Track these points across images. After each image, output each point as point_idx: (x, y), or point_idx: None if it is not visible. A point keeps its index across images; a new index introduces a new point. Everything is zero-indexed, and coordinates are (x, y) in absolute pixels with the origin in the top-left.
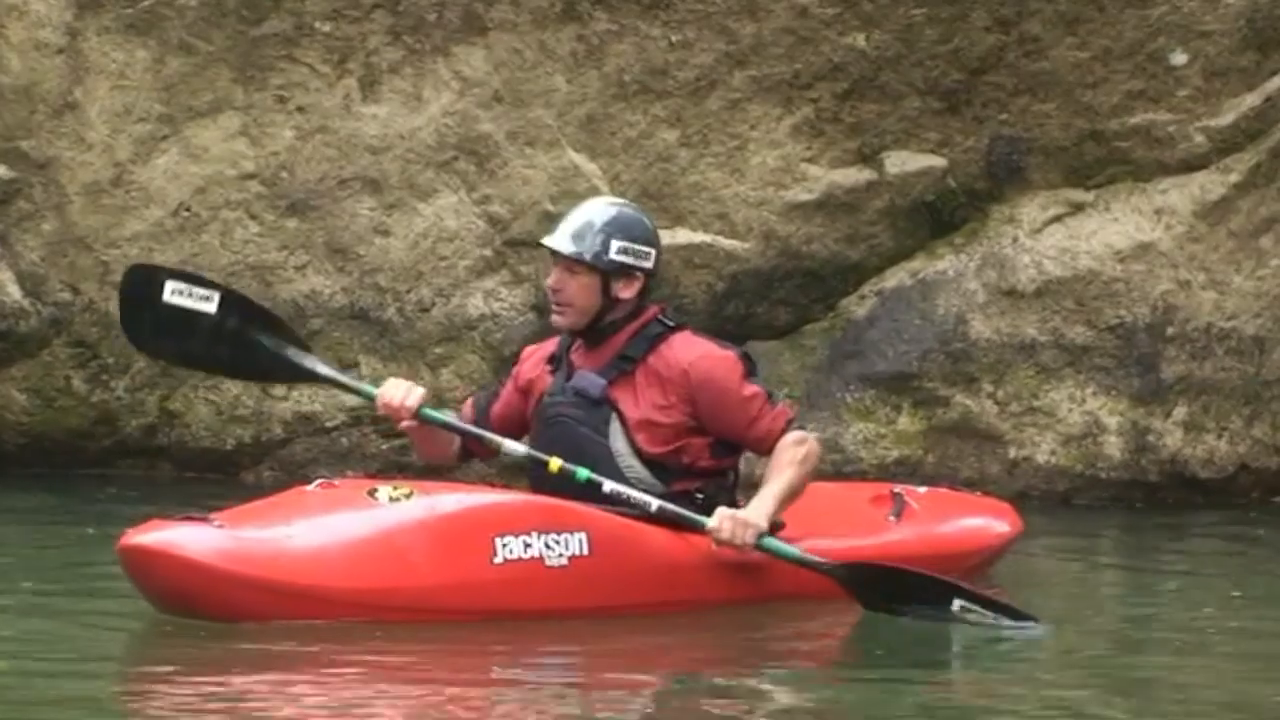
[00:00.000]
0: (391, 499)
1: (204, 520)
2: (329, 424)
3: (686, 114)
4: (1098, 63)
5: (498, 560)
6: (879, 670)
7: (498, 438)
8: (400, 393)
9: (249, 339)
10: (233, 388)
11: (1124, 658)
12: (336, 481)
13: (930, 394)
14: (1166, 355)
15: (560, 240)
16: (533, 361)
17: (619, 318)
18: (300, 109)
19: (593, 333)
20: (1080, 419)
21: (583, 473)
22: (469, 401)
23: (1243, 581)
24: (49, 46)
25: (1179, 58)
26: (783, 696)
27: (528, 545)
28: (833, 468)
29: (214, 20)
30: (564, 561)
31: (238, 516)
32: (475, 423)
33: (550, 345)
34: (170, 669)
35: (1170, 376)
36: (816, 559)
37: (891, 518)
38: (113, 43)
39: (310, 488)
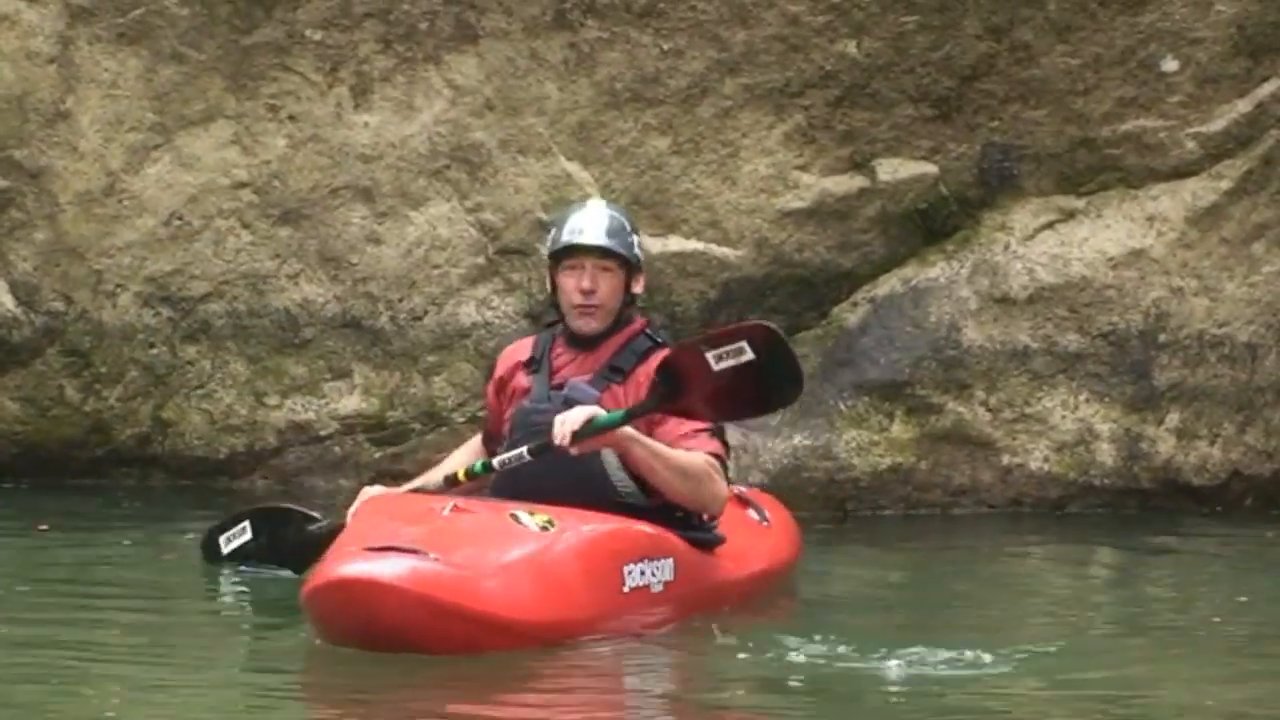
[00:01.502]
0: (541, 527)
1: (416, 552)
2: (322, 433)
3: (678, 122)
4: (1089, 70)
5: (626, 589)
6: (875, 675)
7: (441, 475)
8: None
9: (277, 542)
10: (225, 396)
11: (1119, 665)
12: (461, 503)
13: (923, 401)
14: (1159, 362)
15: (599, 238)
16: (508, 364)
17: (618, 321)
18: (292, 118)
19: (584, 337)
20: (1073, 426)
21: (477, 465)
22: (478, 436)
23: (1238, 589)
24: (41, 56)
25: (1170, 64)
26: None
27: (643, 572)
28: (825, 475)
29: (205, 29)
30: (661, 588)
31: (435, 546)
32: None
33: (524, 346)
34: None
35: (1163, 383)
36: (635, 406)
37: (764, 522)
38: (104, 52)
39: (445, 511)
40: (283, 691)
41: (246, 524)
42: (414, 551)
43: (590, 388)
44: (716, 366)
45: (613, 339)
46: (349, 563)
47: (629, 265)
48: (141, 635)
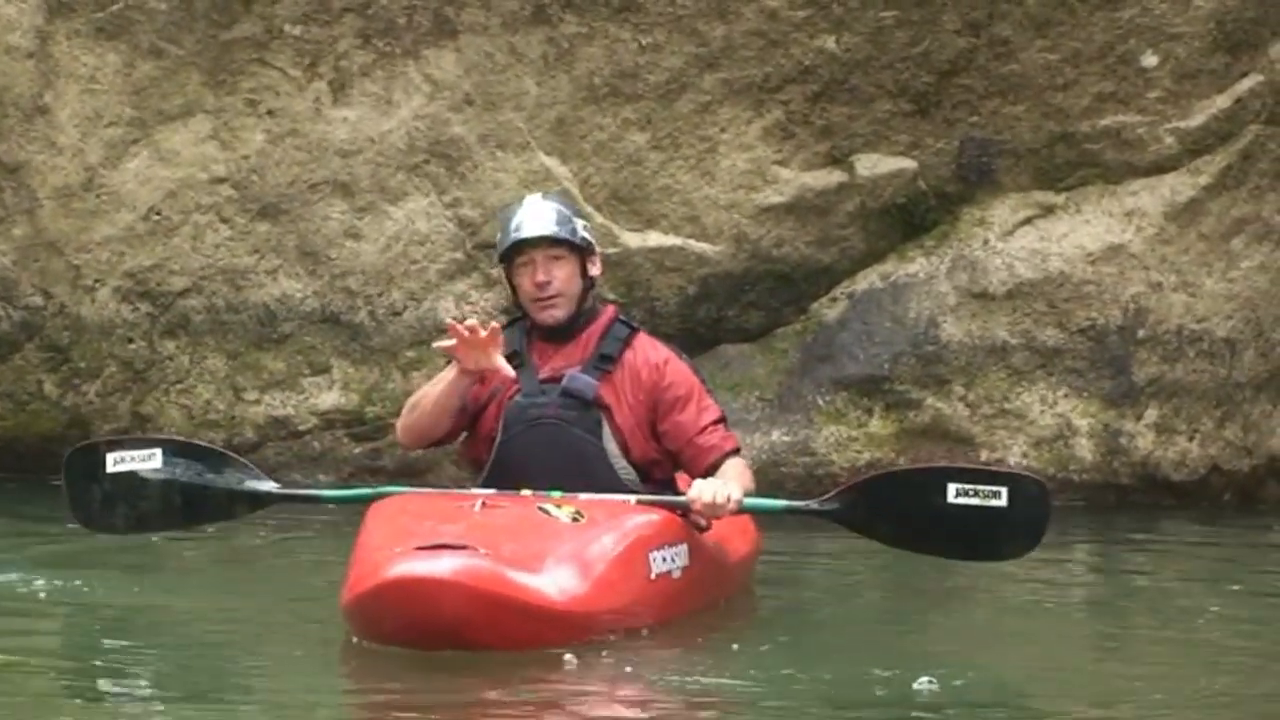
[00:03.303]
0: (572, 519)
1: (466, 549)
2: (301, 428)
3: (657, 117)
4: (1068, 65)
5: (653, 576)
6: (858, 675)
7: (463, 491)
8: None
9: (200, 482)
10: (204, 391)
11: (1096, 660)
12: (488, 499)
13: (902, 396)
14: (1138, 357)
15: (541, 229)
16: None
17: (586, 309)
18: (271, 113)
19: (558, 329)
20: (1051, 421)
21: (554, 494)
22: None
23: (1217, 584)
24: (19, 50)
25: (1149, 60)
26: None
27: (664, 559)
28: (804, 471)
29: (184, 24)
30: (680, 574)
31: (481, 543)
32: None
33: None
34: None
35: (1141, 379)
36: (803, 503)
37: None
38: (83, 47)
39: (477, 508)
40: (333, 697)
41: (157, 451)
42: (464, 548)
43: (589, 378)
44: (951, 500)
45: (591, 328)
46: (402, 563)
47: (579, 249)
48: (157, 640)
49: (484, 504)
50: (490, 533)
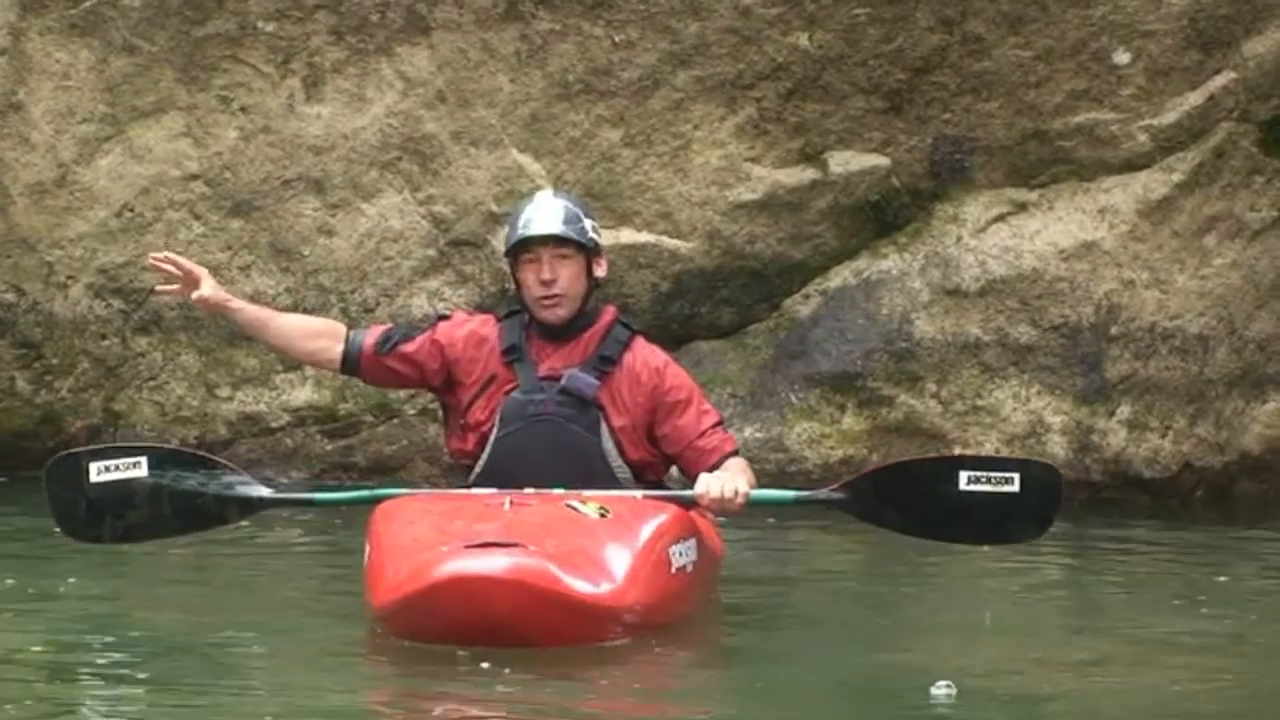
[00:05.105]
0: (600, 515)
1: (516, 546)
2: (273, 424)
3: (630, 114)
4: (1041, 62)
5: (673, 570)
6: (867, 681)
7: (471, 492)
8: None
9: (189, 489)
10: (176, 388)
11: (1068, 658)
12: (515, 496)
13: (874, 393)
14: (1110, 354)
15: (550, 227)
16: (470, 339)
17: (588, 310)
18: (244, 109)
19: (559, 328)
20: (1024, 418)
21: (557, 491)
22: (379, 329)
23: (1187, 583)
24: None
25: (1122, 57)
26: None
27: (680, 553)
28: (777, 467)
29: (157, 20)
30: (692, 568)
31: (527, 540)
32: (377, 348)
33: (482, 326)
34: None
35: (1114, 376)
36: (812, 493)
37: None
38: (56, 43)
39: (507, 505)
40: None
41: (143, 459)
42: (514, 545)
43: (589, 377)
44: (963, 487)
45: (592, 329)
46: (455, 561)
47: (586, 250)
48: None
49: (512, 502)
50: (531, 530)
